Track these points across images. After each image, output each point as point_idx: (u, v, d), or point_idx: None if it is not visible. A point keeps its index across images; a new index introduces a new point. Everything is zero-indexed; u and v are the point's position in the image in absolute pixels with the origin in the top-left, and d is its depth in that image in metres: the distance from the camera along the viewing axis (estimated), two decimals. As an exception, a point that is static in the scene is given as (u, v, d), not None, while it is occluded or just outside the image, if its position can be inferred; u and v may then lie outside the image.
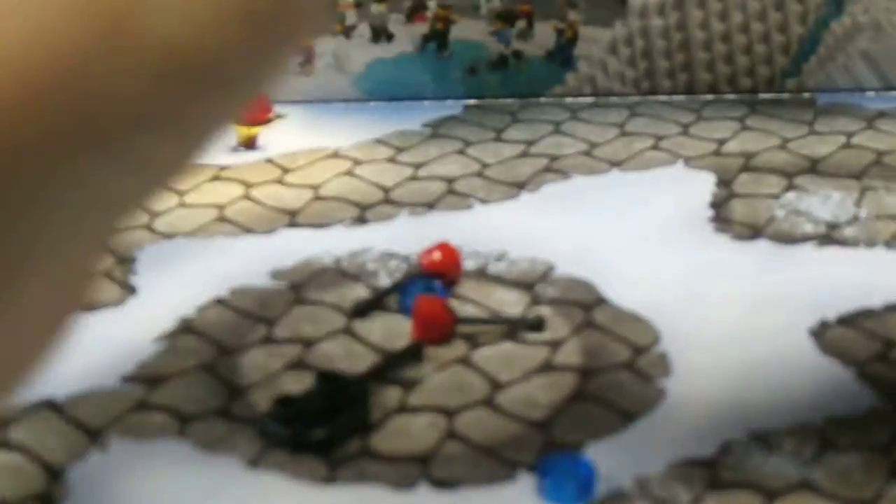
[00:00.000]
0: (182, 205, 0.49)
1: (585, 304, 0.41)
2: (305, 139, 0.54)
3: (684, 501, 0.32)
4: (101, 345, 0.39)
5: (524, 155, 0.53)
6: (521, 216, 0.47)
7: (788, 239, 0.44)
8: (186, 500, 0.33)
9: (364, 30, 0.58)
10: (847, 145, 0.51)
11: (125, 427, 0.35)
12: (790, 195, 0.47)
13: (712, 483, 0.33)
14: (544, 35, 0.58)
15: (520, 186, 0.50)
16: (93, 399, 0.36)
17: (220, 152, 0.53)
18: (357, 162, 0.52)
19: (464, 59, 0.58)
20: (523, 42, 0.58)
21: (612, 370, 0.37)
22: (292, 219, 0.47)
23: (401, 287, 0.41)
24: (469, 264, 0.43)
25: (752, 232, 0.45)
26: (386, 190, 0.50)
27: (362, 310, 0.40)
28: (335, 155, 0.53)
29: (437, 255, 0.42)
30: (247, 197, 0.49)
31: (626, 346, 0.39)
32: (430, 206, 0.48)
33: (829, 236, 0.44)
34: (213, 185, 0.50)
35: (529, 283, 0.42)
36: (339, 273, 0.43)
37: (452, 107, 0.58)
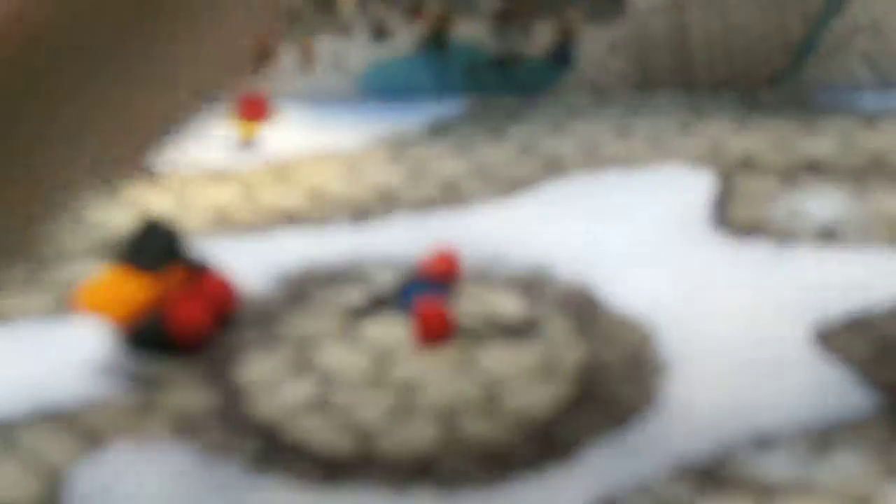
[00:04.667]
0: (181, 205, 0.49)
1: (584, 306, 0.41)
2: (305, 138, 0.55)
3: (683, 503, 0.32)
4: (102, 347, 0.39)
5: (523, 154, 0.53)
6: (521, 217, 0.47)
7: (787, 239, 0.44)
8: None
9: (364, 28, 0.58)
10: (846, 145, 0.51)
11: (125, 431, 0.35)
12: (789, 195, 0.48)
13: (711, 484, 0.33)
14: (544, 34, 0.58)
15: (519, 186, 0.50)
16: (93, 403, 0.37)
17: (220, 151, 0.53)
18: (356, 161, 0.52)
19: (463, 57, 0.58)
20: (523, 41, 0.58)
21: (610, 372, 0.38)
22: (291, 219, 0.47)
23: (401, 289, 0.41)
24: (468, 267, 0.43)
25: (751, 232, 0.45)
26: (385, 190, 0.50)
27: (362, 312, 0.40)
28: (334, 154, 0.53)
29: (436, 258, 0.42)
30: (246, 197, 0.49)
31: (625, 347, 0.39)
32: (430, 206, 0.48)
33: (828, 236, 0.44)
34: (213, 184, 0.51)
35: (529, 285, 0.42)
36: (339, 274, 0.43)
37: (452, 105, 0.58)
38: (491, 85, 0.59)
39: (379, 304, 0.41)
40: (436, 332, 0.39)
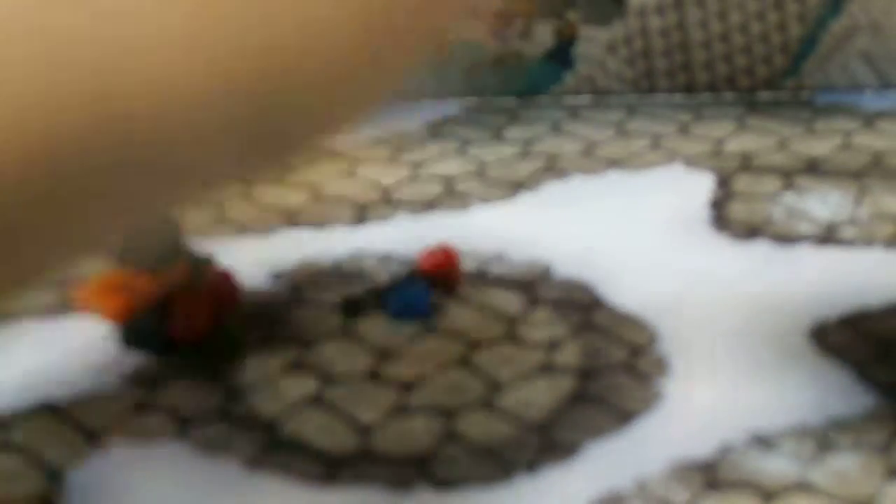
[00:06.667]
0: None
1: (584, 304, 0.41)
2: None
3: (683, 501, 0.32)
4: (100, 345, 0.39)
5: (523, 154, 0.53)
6: (520, 216, 0.47)
7: (787, 239, 0.44)
8: (185, 502, 0.33)
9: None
10: (846, 145, 0.51)
11: (125, 429, 0.35)
12: (789, 195, 0.48)
13: (711, 483, 0.33)
14: (543, 34, 0.58)
15: (519, 186, 0.50)
16: (92, 400, 0.36)
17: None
18: (356, 161, 0.52)
19: (463, 58, 0.58)
20: (522, 41, 0.58)
21: (610, 371, 0.38)
22: (291, 218, 0.47)
23: (397, 286, 0.41)
24: (468, 265, 0.43)
25: (751, 232, 0.45)
26: (385, 190, 0.50)
27: (352, 307, 0.40)
28: (334, 154, 0.53)
29: (436, 257, 0.42)
30: (245, 196, 0.49)
31: (625, 346, 0.39)
32: (430, 206, 0.48)
33: (828, 236, 0.44)
34: (213, 185, 0.50)
35: (528, 283, 0.42)
36: (339, 274, 0.43)
37: (451, 106, 0.58)
38: (490, 85, 0.59)
39: (371, 299, 0.41)
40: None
